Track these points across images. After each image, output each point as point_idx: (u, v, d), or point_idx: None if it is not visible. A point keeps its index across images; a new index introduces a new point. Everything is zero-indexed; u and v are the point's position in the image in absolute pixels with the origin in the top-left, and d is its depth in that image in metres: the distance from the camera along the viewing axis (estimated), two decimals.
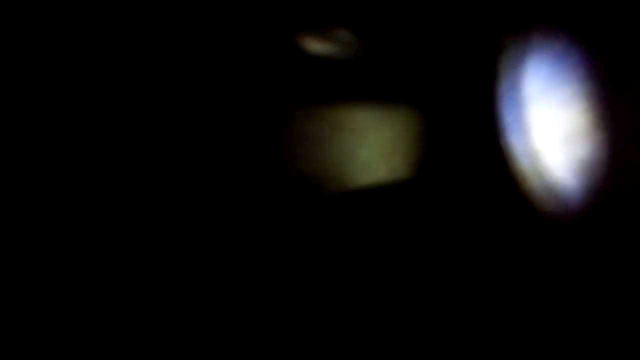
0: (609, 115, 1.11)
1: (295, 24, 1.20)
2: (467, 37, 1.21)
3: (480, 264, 1.20)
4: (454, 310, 1.18)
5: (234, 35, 1.21)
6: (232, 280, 1.18)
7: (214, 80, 1.21)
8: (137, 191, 1.19)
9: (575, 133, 1.14)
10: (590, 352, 1.12)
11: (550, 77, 1.15)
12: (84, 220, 1.18)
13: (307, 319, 1.17)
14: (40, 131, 1.18)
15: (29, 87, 1.18)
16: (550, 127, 1.16)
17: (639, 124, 1.09)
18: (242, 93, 1.21)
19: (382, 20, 1.21)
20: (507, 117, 1.20)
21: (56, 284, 1.16)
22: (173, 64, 1.20)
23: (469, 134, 1.23)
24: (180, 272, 1.18)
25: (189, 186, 1.20)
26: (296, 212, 1.21)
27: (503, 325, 1.16)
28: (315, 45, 1.20)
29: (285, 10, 1.20)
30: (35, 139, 1.18)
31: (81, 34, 1.19)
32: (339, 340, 1.16)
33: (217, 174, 1.20)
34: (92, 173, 1.19)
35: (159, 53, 1.20)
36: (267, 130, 1.20)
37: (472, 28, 1.21)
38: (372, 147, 1.22)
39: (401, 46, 1.22)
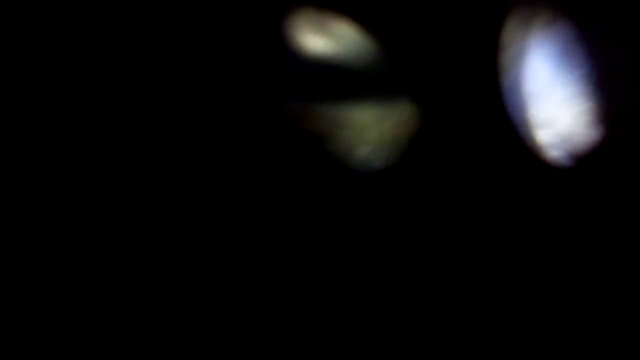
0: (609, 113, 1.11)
1: (293, 20, 1.20)
2: (468, 33, 1.21)
3: (481, 264, 1.20)
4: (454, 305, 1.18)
5: (232, 33, 1.21)
6: (233, 278, 1.19)
7: (212, 79, 1.21)
8: (137, 191, 1.19)
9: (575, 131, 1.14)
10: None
11: (552, 75, 1.15)
12: (84, 220, 1.18)
13: (309, 311, 1.18)
14: (40, 131, 1.19)
15: (29, 87, 1.19)
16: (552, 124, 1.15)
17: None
18: (242, 91, 1.21)
19: (382, 15, 1.21)
20: (510, 114, 1.20)
21: (56, 284, 1.16)
22: (170, 64, 1.20)
23: (471, 130, 1.22)
24: (180, 273, 1.18)
25: (189, 186, 1.20)
26: (296, 209, 1.21)
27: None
28: (316, 42, 1.20)
29: (284, 6, 1.20)
30: (35, 139, 1.18)
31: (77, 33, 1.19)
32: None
33: (217, 172, 1.20)
34: (92, 173, 1.19)
35: (156, 53, 1.20)
36: (268, 128, 1.20)
37: (473, 23, 1.21)
38: (373, 143, 1.21)
39: (401, 42, 1.21)
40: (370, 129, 1.20)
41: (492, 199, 1.20)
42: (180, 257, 1.17)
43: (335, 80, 1.19)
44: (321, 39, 1.20)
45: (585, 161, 1.14)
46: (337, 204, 1.20)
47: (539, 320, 1.16)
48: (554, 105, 1.15)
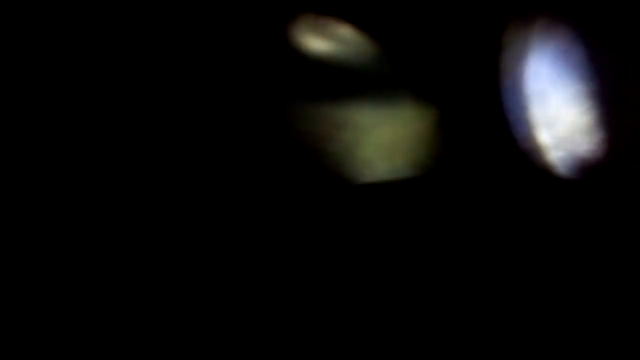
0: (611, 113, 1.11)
1: (294, 22, 1.20)
2: (469, 34, 1.21)
3: (483, 264, 1.20)
4: (457, 311, 1.18)
5: (232, 34, 1.21)
6: (233, 279, 1.19)
7: (214, 79, 1.21)
8: (138, 191, 1.19)
9: (577, 131, 1.13)
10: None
11: (553, 75, 1.14)
12: (84, 220, 1.18)
13: (308, 317, 1.18)
14: (40, 131, 1.19)
15: (29, 87, 1.19)
16: (553, 124, 1.15)
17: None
18: (243, 92, 1.21)
19: (383, 17, 1.21)
20: (511, 114, 1.20)
21: (56, 284, 1.16)
22: (170, 64, 1.20)
23: (472, 131, 1.22)
24: (180, 272, 1.18)
25: (187, 184, 1.20)
26: (297, 209, 1.21)
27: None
28: (317, 43, 1.20)
29: (284, 7, 1.20)
30: (35, 139, 1.19)
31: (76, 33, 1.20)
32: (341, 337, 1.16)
33: (218, 172, 1.21)
34: (92, 173, 1.19)
35: (157, 53, 1.20)
36: (270, 129, 1.20)
37: (474, 24, 1.20)
38: (373, 144, 1.21)
39: (402, 43, 1.21)
40: (370, 130, 1.20)
41: (491, 202, 1.20)
42: (177, 255, 1.18)
43: (335, 81, 1.19)
44: (322, 39, 1.20)
45: (587, 162, 1.14)
46: (336, 204, 1.20)
47: (536, 332, 1.16)
48: (556, 105, 1.14)
